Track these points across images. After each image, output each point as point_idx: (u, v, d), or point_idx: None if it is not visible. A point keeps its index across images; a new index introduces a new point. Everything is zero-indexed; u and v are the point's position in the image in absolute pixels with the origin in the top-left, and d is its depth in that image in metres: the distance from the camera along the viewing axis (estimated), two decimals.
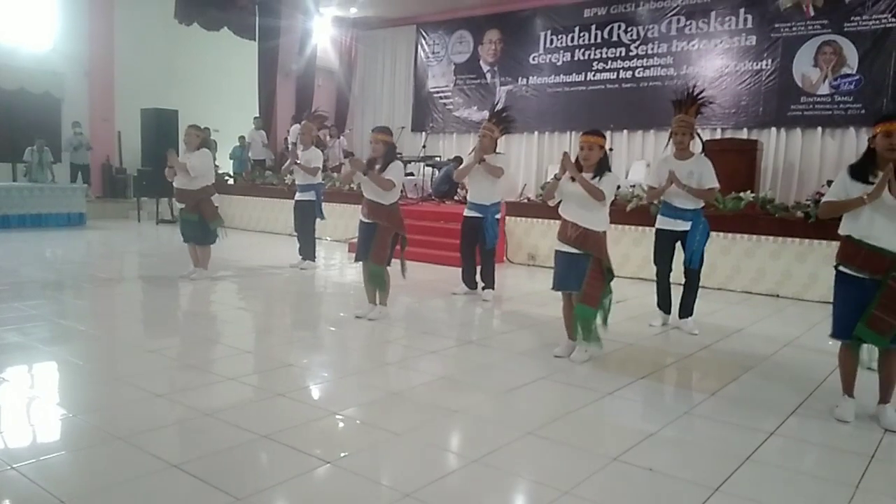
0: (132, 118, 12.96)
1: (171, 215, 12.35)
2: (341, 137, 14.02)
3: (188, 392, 3.72)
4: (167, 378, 4.01)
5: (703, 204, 5.35)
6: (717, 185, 5.29)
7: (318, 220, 8.16)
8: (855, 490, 2.80)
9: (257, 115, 14.12)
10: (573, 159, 4.47)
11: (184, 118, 12.19)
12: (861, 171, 3.46)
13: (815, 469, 3.13)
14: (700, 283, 5.52)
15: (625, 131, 11.23)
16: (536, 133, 12.35)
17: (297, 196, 8.11)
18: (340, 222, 10.19)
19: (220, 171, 11.80)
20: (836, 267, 3.59)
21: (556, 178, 4.54)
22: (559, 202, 4.57)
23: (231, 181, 13.00)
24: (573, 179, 4.46)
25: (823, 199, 3.64)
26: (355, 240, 5.84)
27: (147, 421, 3.28)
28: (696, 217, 5.31)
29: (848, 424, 3.54)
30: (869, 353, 3.93)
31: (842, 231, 3.55)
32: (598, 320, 4.49)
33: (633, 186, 8.67)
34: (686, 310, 5.51)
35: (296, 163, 7.95)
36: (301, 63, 14.71)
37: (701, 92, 5.46)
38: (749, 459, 3.06)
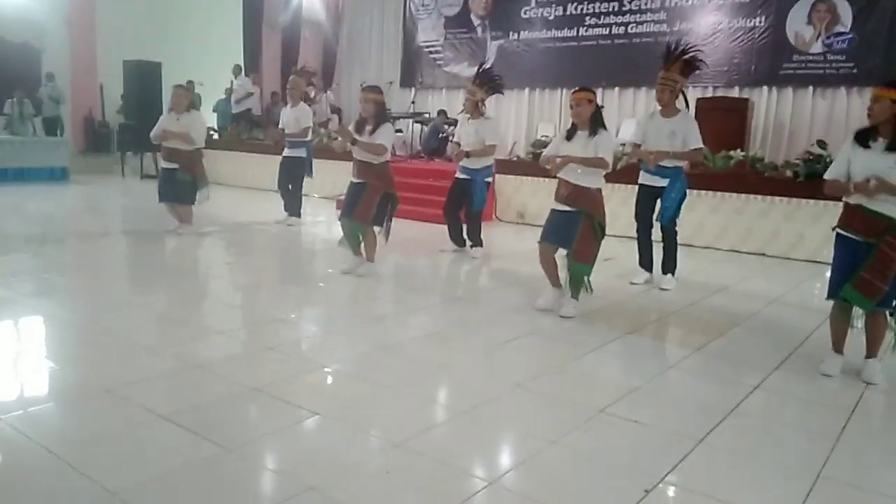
0: (115, 70, 12.65)
1: (156, 170, 12.16)
2: (328, 92, 13.77)
3: (176, 345, 3.71)
4: (155, 331, 4.00)
5: (683, 163, 5.31)
6: (701, 145, 5.25)
7: (306, 177, 8.07)
8: (836, 442, 2.86)
9: (239, 63, 13.77)
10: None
11: (167, 71, 11.94)
12: (863, 135, 3.49)
13: (796, 422, 3.19)
14: (677, 241, 5.49)
15: (616, 88, 11.11)
16: (527, 90, 12.19)
17: (286, 152, 7.98)
18: (328, 179, 10.07)
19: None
20: (834, 229, 3.63)
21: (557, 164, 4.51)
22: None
23: (216, 136, 12.79)
24: (568, 139, 4.46)
25: (825, 176, 3.67)
26: (342, 197, 5.78)
27: (135, 373, 3.27)
28: (674, 174, 5.30)
29: (831, 379, 3.61)
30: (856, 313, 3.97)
31: (845, 196, 3.58)
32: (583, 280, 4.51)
33: (624, 144, 8.61)
34: (665, 266, 5.53)
35: (283, 133, 7.82)
36: (287, 15, 14.36)
37: (685, 48, 5.33)
38: (733, 412, 3.12)
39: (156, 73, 12.18)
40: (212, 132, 12.61)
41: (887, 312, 3.54)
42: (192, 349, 3.69)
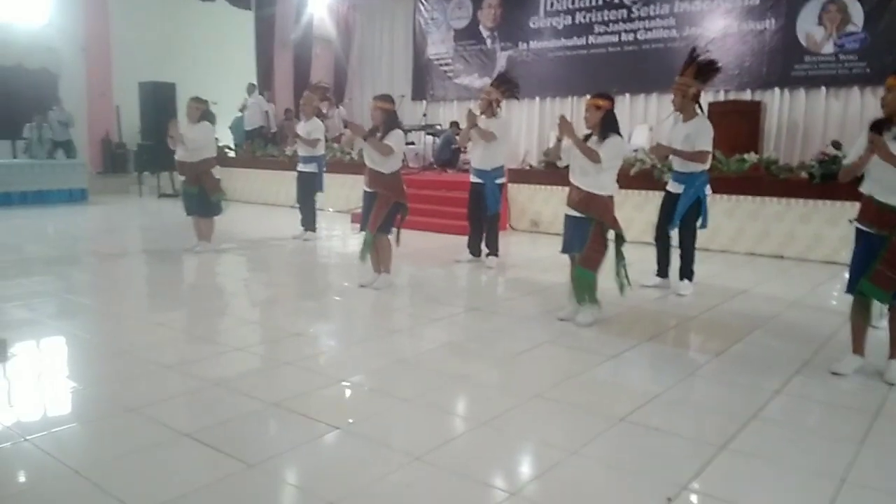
0: (130, 92, 12.84)
1: (173, 189, 12.31)
2: (340, 107, 13.88)
3: (197, 363, 3.74)
4: (175, 350, 4.03)
5: (696, 168, 5.29)
6: (706, 148, 5.23)
7: (318, 192, 8.14)
8: (860, 446, 2.83)
9: (253, 82, 13.92)
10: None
11: (182, 91, 12.08)
12: (878, 125, 3.49)
13: (819, 426, 3.15)
14: (694, 246, 5.48)
15: (627, 95, 11.09)
16: (538, 99, 12.21)
17: (300, 167, 8.07)
18: (342, 193, 10.14)
19: (220, 144, 11.71)
20: (851, 222, 3.66)
21: (558, 140, 4.52)
22: (567, 165, 4.56)
23: (232, 154, 12.92)
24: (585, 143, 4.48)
25: (843, 164, 3.71)
26: (359, 210, 5.81)
27: (157, 392, 3.30)
28: (687, 181, 5.31)
29: (854, 382, 3.56)
30: (881, 310, 3.93)
31: (861, 189, 3.59)
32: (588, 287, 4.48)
33: (636, 151, 8.60)
34: (681, 272, 5.52)
35: (295, 135, 7.90)
36: (298, 32, 14.51)
37: (699, 52, 5.35)
38: (754, 418, 3.09)
39: (170, 93, 12.33)
40: (227, 149, 12.77)
41: None
42: (211, 366, 3.72)
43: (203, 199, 6.88)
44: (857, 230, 3.58)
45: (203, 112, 6.87)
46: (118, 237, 8.80)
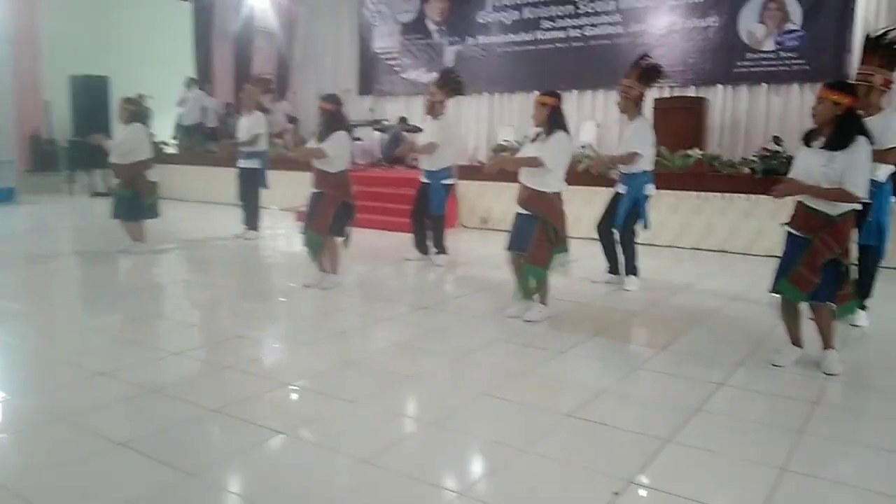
0: (61, 86, 12.29)
1: (106, 187, 11.81)
2: (284, 101, 13.59)
3: (132, 369, 3.59)
4: (109, 355, 3.87)
5: (635, 169, 5.39)
6: (637, 150, 5.35)
7: (262, 189, 7.94)
8: (800, 435, 2.91)
9: (192, 76, 13.51)
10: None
11: (116, 85, 11.66)
12: (808, 135, 3.65)
13: (761, 416, 3.23)
14: (634, 243, 5.55)
15: (574, 91, 11.19)
16: (486, 94, 12.21)
17: (240, 163, 7.83)
18: (287, 191, 9.92)
19: (157, 140, 11.30)
20: (782, 225, 3.76)
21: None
22: None
23: (171, 150, 12.50)
24: (532, 142, 4.53)
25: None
26: (304, 209, 5.69)
27: (90, 400, 3.18)
28: (629, 182, 5.44)
29: (794, 372, 3.66)
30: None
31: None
32: (532, 283, 4.50)
33: (584, 147, 8.69)
34: (627, 268, 5.60)
35: (235, 144, 7.71)
36: (238, 24, 14.14)
37: (643, 56, 5.52)
38: (699, 410, 3.15)
39: (103, 87, 11.90)
40: (164, 145, 12.34)
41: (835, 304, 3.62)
42: (148, 372, 3.58)
43: (135, 203, 6.61)
44: (788, 233, 3.70)
45: (133, 113, 6.64)
46: (49, 238, 8.42)
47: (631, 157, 5.36)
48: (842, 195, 3.42)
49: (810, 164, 3.51)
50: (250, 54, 14.32)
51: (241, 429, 2.89)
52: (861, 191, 3.41)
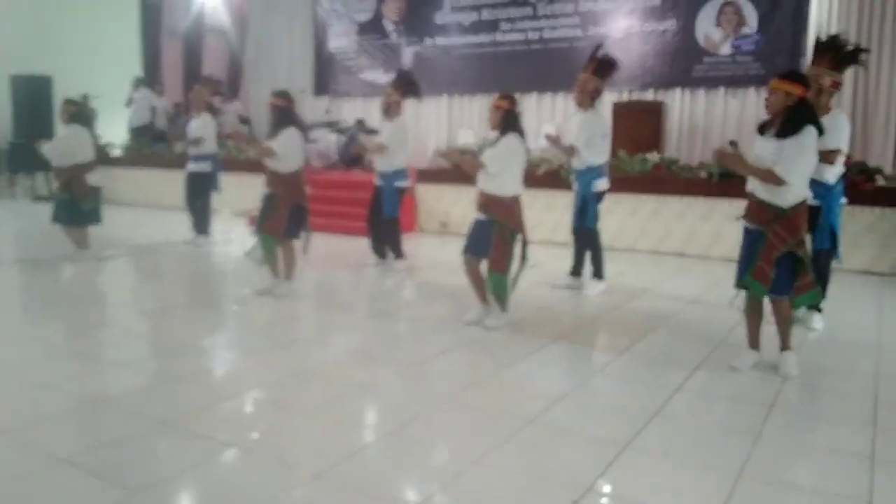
0: (1, 87, 11.76)
1: (49, 191, 11.37)
2: (236, 102, 13.29)
3: (75, 380, 3.42)
4: (51, 366, 3.69)
5: (582, 165, 5.34)
6: (576, 143, 5.31)
7: (213, 192, 7.70)
8: (757, 438, 2.92)
9: (140, 75, 13.11)
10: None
11: (59, 84, 11.20)
12: (762, 126, 3.72)
13: (719, 420, 3.23)
14: (596, 245, 5.52)
15: (534, 93, 11.22)
16: (446, 96, 12.15)
17: (190, 167, 7.55)
18: (239, 193, 9.66)
19: (101, 143, 10.90)
20: (737, 219, 3.79)
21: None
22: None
23: (118, 152, 12.08)
24: (492, 146, 4.47)
25: None
26: (256, 213, 5.54)
27: (30, 413, 3.02)
28: (579, 178, 5.39)
29: (751, 375, 3.67)
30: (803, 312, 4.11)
31: (746, 187, 3.74)
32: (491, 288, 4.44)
33: (544, 149, 8.69)
34: (593, 271, 5.57)
35: (191, 141, 7.47)
36: (188, 21, 13.78)
37: (597, 48, 5.45)
38: (657, 415, 3.14)
39: (46, 87, 11.42)
40: (106, 147, 11.91)
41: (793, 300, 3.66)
42: (93, 384, 3.42)
43: (73, 208, 6.33)
44: (745, 227, 3.73)
45: (73, 114, 6.39)
46: None
47: (570, 150, 5.30)
48: (769, 176, 3.46)
49: (762, 153, 3.56)
50: (201, 53, 13.95)
51: (190, 442, 2.76)
52: (789, 176, 3.42)
